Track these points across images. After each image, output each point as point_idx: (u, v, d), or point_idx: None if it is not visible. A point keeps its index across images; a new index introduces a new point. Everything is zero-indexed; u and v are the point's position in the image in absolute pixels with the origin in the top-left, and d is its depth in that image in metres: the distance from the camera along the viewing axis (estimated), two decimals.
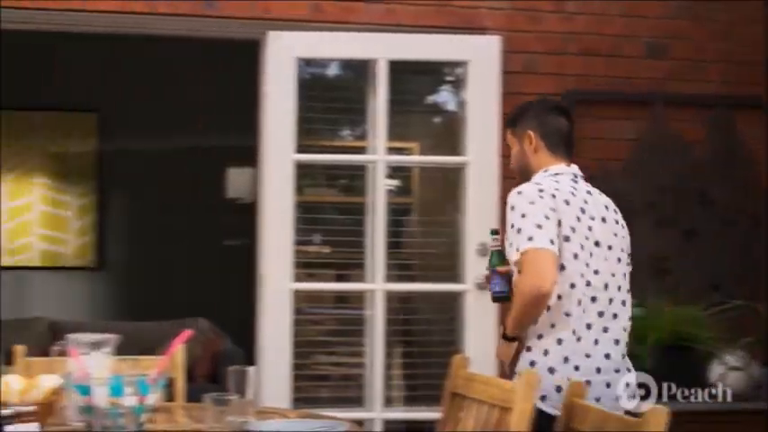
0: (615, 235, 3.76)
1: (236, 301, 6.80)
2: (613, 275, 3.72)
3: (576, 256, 3.62)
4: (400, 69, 5.52)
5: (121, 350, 3.45)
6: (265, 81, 5.37)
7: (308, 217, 6.53)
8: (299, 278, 5.49)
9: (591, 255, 3.66)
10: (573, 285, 3.61)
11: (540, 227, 3.56)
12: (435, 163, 6.40)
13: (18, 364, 3.98)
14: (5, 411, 2.58)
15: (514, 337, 3.70)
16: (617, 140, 5.66)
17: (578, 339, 3.62)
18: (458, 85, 5.70)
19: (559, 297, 3.60)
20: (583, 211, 3.69)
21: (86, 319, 8.00)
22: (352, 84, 6.85)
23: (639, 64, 5.69)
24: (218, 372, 7.35)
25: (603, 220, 3.74)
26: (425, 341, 6.28)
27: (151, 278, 8.48)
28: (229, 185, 8.59)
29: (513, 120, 3.98)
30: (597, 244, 3.68)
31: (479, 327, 5.36)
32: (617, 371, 3.66)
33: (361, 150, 5.83)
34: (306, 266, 6.11)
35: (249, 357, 5.82)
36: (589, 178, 3.92)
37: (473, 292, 5.37)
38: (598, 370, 3.62)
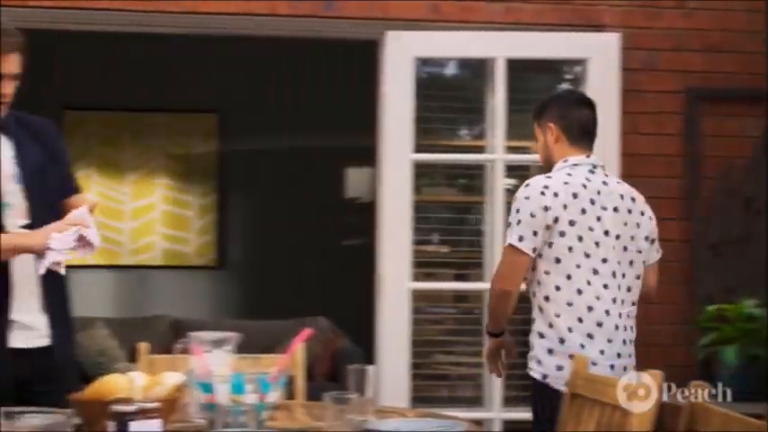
0: (625, 224, 3.94)
1: (354, 300, 6.84)
2: (619, 263, 3.91)
3: (570, 249, 3.85)
4: (519, 68, 5.49)
5: (242, 348, 3.48)
6: (383, 81, 5.38)
7: (427, 216, 6.52)
8: (417, 278, 5.49)
9: (598, 244, 3.87)
10: (569, 277, 3.86)
11: (519, 222, 3.87)
12: None
13: (142, 361, 4.05)
14: (130, 407, 2.62)
15: (496, 334, 4.13)
16: (740, 138, 5.56)
17: (598, 324, 3.86)
18: (577, 82, 5.64)
19: (558, 288, 3.87)
20: (592, 202, 3.90)
21: (208, 318, 8.11)
22: (469, 83, 6.83)
23: (763, 60, 5.58)
24: (337, 370, 7.39)
25: (615, 209, 3.93)
26: None
27: (271, 277, 8.55)
28: (348, 185, 8.64)
29: (537, 112, 4.15)
30: (606, 233, 3.90)
31: None
32: (630, 355, 3.94)
33: (479, 150, 5.81)
34: (424, 266, 6.10)
35: (368, 356, 5.85)
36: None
37: None
38: (619, 355, 3.89)
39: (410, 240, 5.31)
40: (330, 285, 8.36)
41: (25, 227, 3.73)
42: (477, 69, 5.87)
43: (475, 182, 6.13)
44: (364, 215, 6.73)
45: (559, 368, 3.83)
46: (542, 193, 3.87)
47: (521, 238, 3.84)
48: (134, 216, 8.57)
